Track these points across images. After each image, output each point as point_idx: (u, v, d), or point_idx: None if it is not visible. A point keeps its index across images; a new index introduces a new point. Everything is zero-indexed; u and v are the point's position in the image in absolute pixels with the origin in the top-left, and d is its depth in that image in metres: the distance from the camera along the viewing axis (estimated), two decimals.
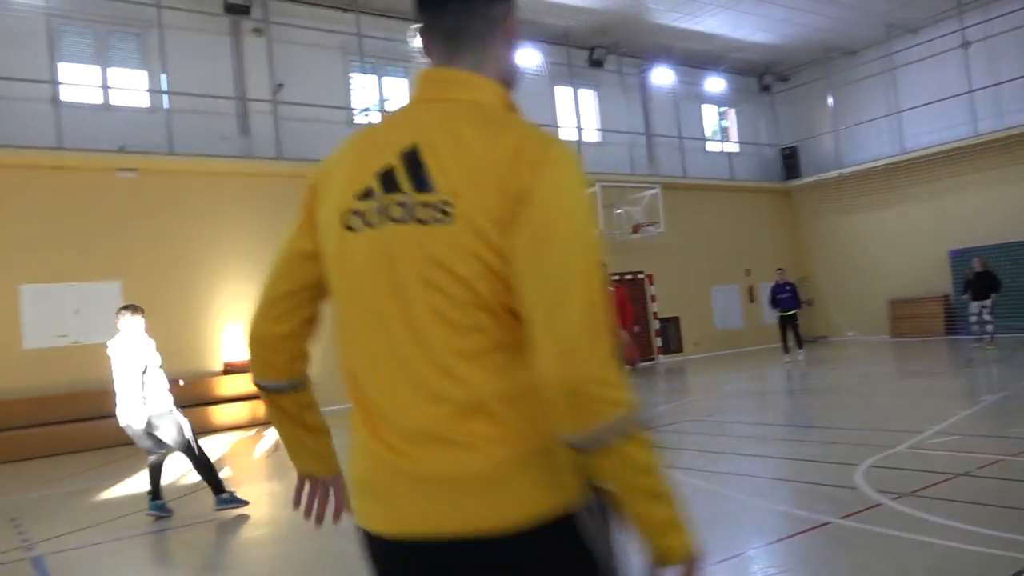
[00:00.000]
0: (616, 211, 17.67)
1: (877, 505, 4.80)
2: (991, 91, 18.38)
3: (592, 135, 19.88)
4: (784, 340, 16.55)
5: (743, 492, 5.60)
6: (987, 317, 15.71)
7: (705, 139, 22.47)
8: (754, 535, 4.47)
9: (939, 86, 19.24)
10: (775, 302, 16.48)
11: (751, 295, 21.94)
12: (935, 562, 3.84)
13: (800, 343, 16.45)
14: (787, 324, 16.38)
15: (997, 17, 18.04)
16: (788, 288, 16.39)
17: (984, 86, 18.41)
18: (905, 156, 19.81)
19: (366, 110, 16.36)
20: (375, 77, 16.55)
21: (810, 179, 22.17)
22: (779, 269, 17.09)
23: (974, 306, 15.86)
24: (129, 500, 7.49)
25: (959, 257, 18.70)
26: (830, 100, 21.63)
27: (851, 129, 21.31)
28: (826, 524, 4.50)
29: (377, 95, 16.72)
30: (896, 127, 20.23)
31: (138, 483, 8.48)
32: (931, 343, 17.93)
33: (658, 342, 19.78)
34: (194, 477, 8.42)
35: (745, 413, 10.45)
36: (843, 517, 4.60)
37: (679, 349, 20.35)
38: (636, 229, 18.26)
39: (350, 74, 16.25)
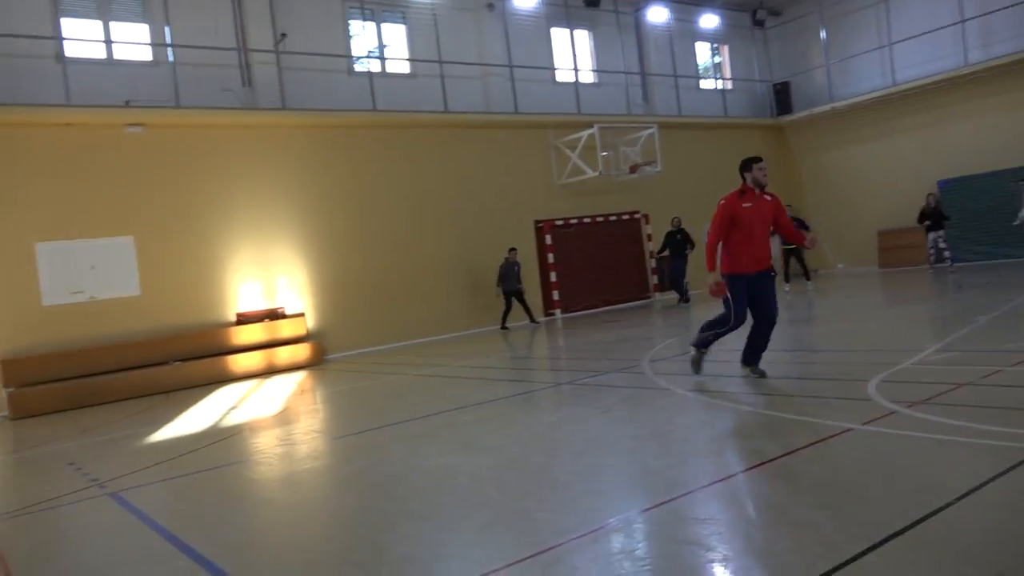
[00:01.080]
0: (602, 153, 17.86)
1: (893, 413, 5.28)
2: (980, 21, 18.57)
3: (587, 76, 19.97)
4: (787, 271, 17.57)
5: (766, 408, 6.07)
6: (943, 245, 17.65)
7: (699, 76, 22.59)
8: (789, 441, 4.92)
9: (930, 17, 19.42)
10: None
11: None
12: (956, 455, 4.32)
13: (808, 274, 17.40)
14: (791, 256, 17.28)
15: None
16: (794, 222, 16.96)
17: (974, 16, 18.60)
18: (896, 88, 20.08)
19: (366, 57, 16.37)
20: (374, 24, 16.55)
21: (802, 114, 22.41)
22: (787, 205, 17.63)
23: (931, 237, 17.68)
24: (173, 443, 7.89)
25: (947, 187, 19.15)
26: (823, 33, 21.74)
27: (843, 63, 21.49)
28: (849, 430, 4.97)
29: (376, 42, 16.73)
30: (887, 59, 20.44)
31: (174, 428, 8.90)
32: (919, 272, 18.47)
33: (654, 280, 20.23)
34: (232, 419, 8.90)
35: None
36: (864, 424, 5.07)
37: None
38: (634, 169, 18.51)
39: (349, 21, 16.23)
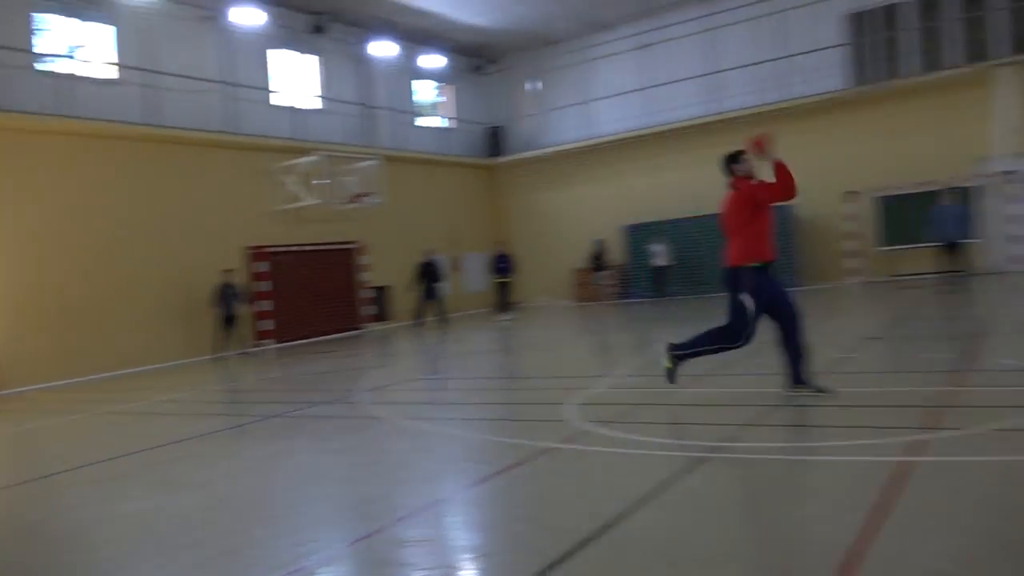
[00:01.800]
0: (319, 181, 17.74)
1: (587, 432, 5.86)
2: (668, 87, 21.41)
3: (314, 102, 19.72)
4: (501, 303, 19.73)
5: (477, 432, 6.41)
6: (604, 283, 21.21)
7: (421, 114, 23.34)
8: (499, 461, 5.25)
9: (626, 79, 22.12)
10: (497, 270, 19.69)
11: (455, 264, 23.31)
12: (641, 465, 4.91)
13: (510, 306, 19.70)
14: (503, 289, 19.64)
15: (674, 24, 21.14)
16: (507, 258, 19.83)
17: (660, 83, 21.43)
18: (593, 140, 22.44)
19: (58, 56, 14.63)
20: (68, 20, 14.85)
21: (511, 157, 24.13)
22: (500, 242, 20.77)
23: (597, 276, 21.33)
24: None
25: (632, 232, 21.73)
26: (534, 84, 23.69)
27: (549, 113, 23.56)
28: (551, 449, 5.43)
29: (72, 40, 14.99)
30: (587, 114, 22.80)
31: None
32: (607, 306, 20.66)
33: (371, 310, 20.32)
34: None
35: (461, 370, 11.45)
36: (563, 442, 5.58)
37: (389, 317, 21.06)
38: (355, 199, 18.52)
39: (32, 13, 14.36)
